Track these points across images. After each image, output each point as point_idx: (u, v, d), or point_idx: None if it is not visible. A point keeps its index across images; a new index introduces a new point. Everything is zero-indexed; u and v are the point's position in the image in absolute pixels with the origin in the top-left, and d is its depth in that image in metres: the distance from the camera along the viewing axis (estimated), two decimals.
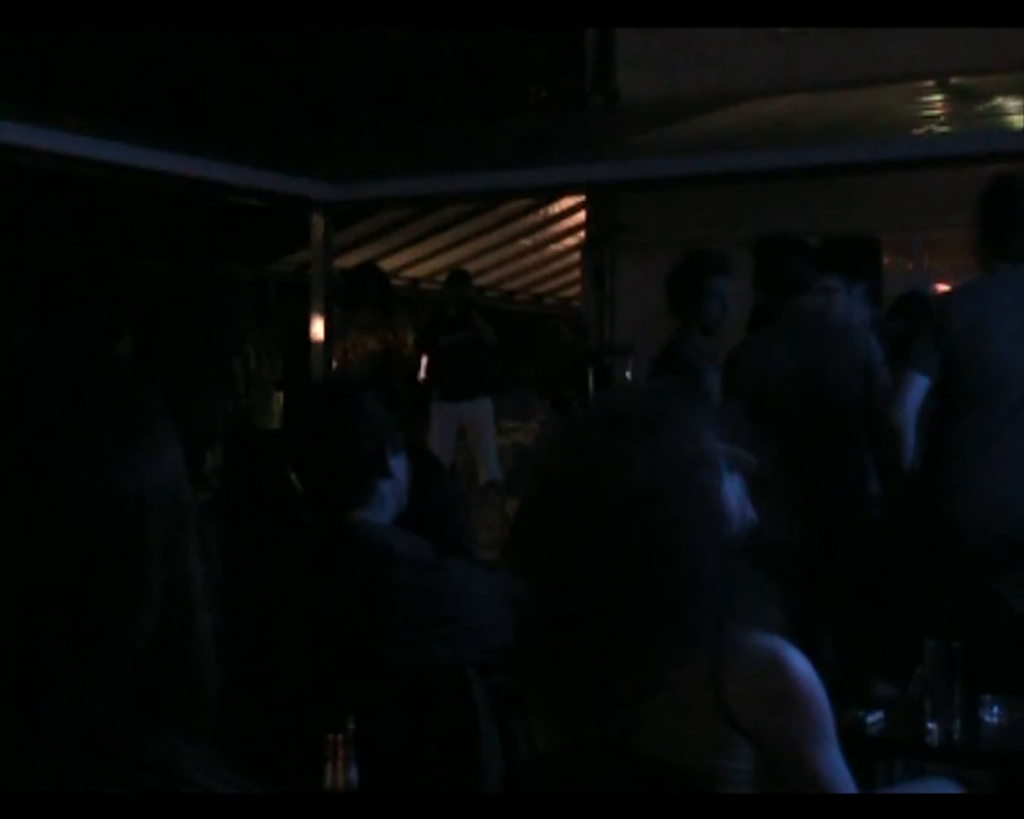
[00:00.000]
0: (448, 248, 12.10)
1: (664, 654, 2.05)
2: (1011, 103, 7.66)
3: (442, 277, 12.81)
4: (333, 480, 2.91)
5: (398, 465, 2.99)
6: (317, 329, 7.96)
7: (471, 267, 12.80)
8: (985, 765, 3.16)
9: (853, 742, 2.68)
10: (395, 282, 10.69)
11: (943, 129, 7.66)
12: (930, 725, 3.12)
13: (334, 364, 8.00)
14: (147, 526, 1.06)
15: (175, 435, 1.11)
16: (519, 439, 8.71)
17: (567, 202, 11.06)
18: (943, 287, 7.30)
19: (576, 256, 11.12)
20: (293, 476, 3.02)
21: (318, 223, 7.92)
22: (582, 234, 10.68)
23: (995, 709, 3.18)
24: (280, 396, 11.33)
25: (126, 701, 1.04)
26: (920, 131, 7.60)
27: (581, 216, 10.75)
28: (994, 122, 7.67)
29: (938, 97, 8.33)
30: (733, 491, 2.14)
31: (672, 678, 2.05)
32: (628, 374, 8.31)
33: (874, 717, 3.21)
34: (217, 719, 1.11)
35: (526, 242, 12.42)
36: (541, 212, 11.61)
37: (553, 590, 2.13)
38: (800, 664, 2.06)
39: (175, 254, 11.89)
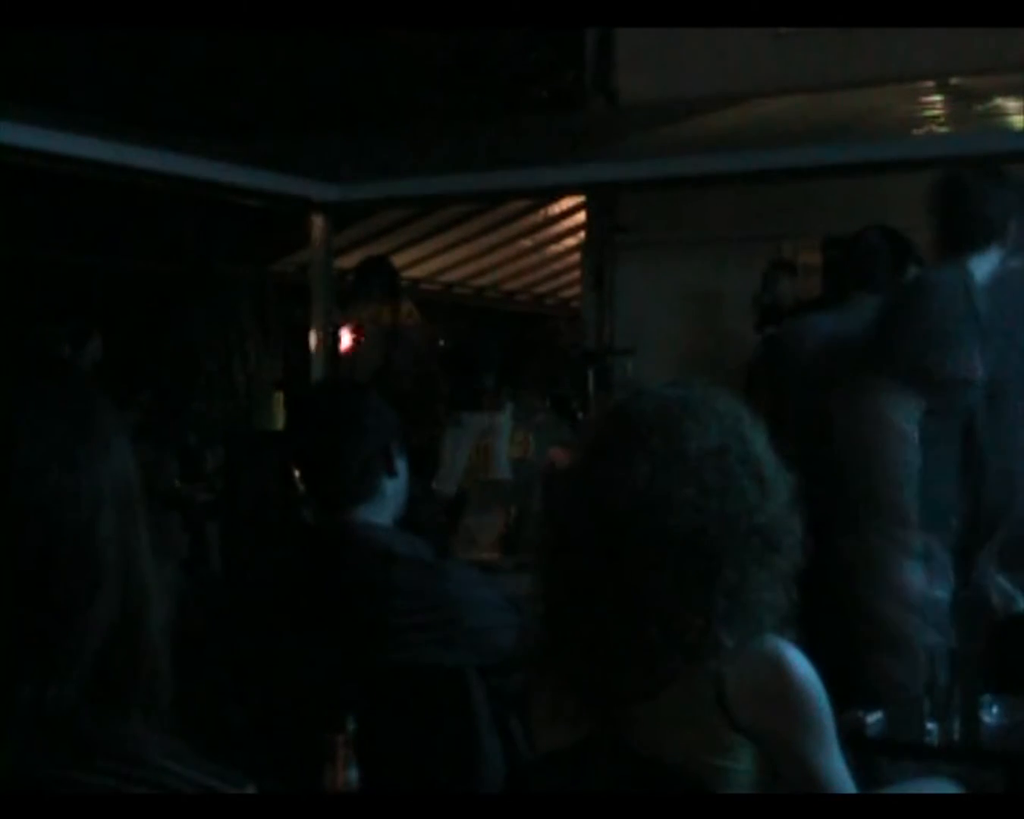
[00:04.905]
0: (448, 248, 12.09)
1: (672, 652, 2.05)
2: (1011, 103, 7.66)
3: (443, 277, 12.82)
4: (337, 475, 2.91)
5: (402, 465, 2.99)
6: (317, 329, 7.97)
7: (471, 267, 12.81)
8: (985, 765, 3.16)
9: (853, 742, 2.68)
10: None
11: (943, 129, 7.66)
12: (930, 725, 3.12)
13: (343, 345, 7.98)
14: (100, 518, 1.08)
15: (124, 431, 1.14)
16: (519, 440, 8.69)
17: (567, 202, 11.04)
18: None
19: (576, 256, 11.11)
20: (296, 474, 3.02)
21: (318, 223, 7.93)
22: (582, 234, 10.67)
23: (995, 709, 3.18)
24: (280, 396, 11.34)
25: (90, 690, 1.05)
26: (920, 131, 7.59)
27: (581, 216, 10.73)
28: (994, 122, 7.67)
29: (938, 97, 8.33)
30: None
31: (674, 677, 2.05)
32: (630, 374, 8.31)
33: (874, 717, 3.22)
34: (172, 707, 1.12)
35: (526, 242, 12.40)
36: (541, 212, 11.59)
37: (576, 575, 2.13)
38: (801, 665, 2.06)
39: (175, 254, 11.89)
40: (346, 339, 8.08)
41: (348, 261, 9.28)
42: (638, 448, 2.10)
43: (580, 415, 7.21)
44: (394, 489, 2.97)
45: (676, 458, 2.08)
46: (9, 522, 1.04)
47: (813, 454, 4.15)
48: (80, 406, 1.12)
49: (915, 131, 7.61)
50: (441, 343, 9.08)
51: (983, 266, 3.98)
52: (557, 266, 13.01)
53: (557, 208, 11.44)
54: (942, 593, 3.79)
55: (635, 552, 2.06)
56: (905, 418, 3.82)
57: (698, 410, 2.14)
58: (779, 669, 2.05)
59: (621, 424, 2.17)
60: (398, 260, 11.69)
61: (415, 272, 12.22)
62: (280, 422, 10.65)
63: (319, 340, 7.99)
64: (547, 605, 2.24)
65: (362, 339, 8.04)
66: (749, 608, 2.07)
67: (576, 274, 11.06)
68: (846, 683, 2.42)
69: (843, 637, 3.76)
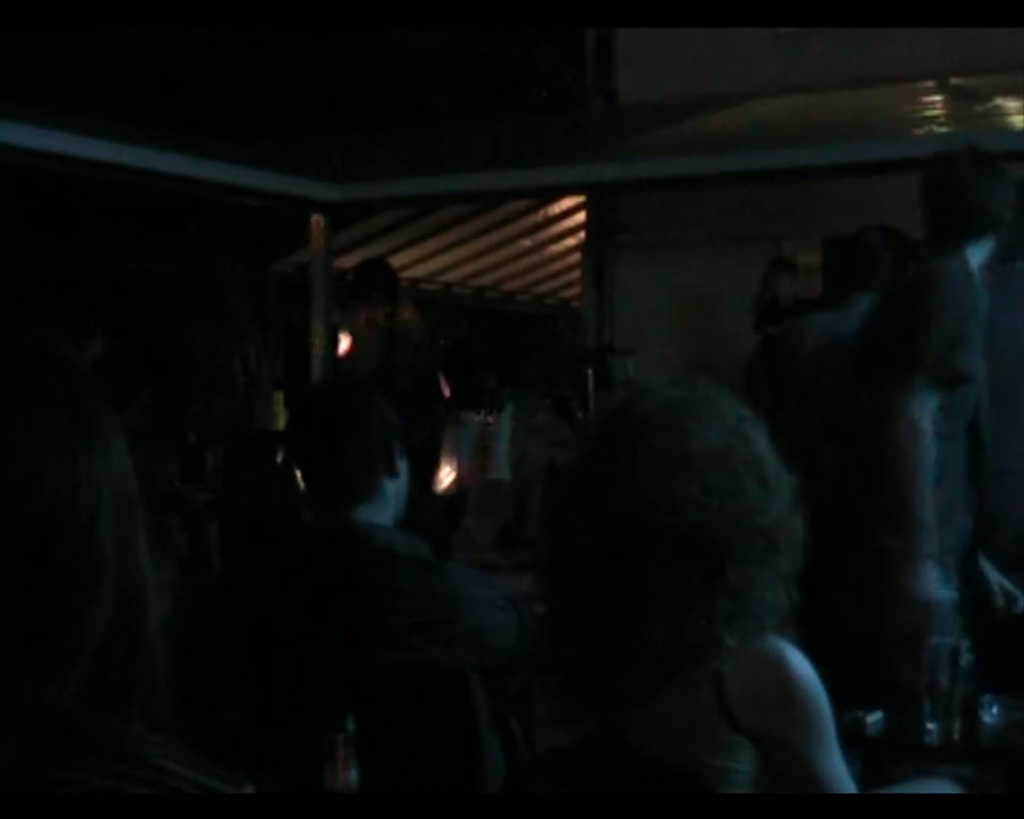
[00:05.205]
0: (448, 248, 12.09)
1: (674, 652, 2.05)
2: (1011, 103, 7.65)
3: (442, 277, 12.81)
4: (339, 474, 2.91)
5: (403, 466, 2.99)
6: (317, 329, 7.97)
7: (471, 267, 12.80)
8: (985, 765, 3.16)
9: (853, 742, 2.68)
10: None
11: (943, 129, 7.65)
12: (930, 725, 3.13)
13: (342, 347, 7.97)
14: (99, 517, 1.08)
15: (122, 430, 1.14)
16: (519, 440, 8.68)
17: (567, 202, 11.05)
18: None
19: (576, 256, 11.11)
20: (297, 471, 3.02)
21: (318, 223, 7.92)
22: (582, 234, 10.67)
23: (995, 709, 3.18)
24: (280, 396, 11.33)
25: (89, 690, 1.05)
26: (920, 131, 7.59)
27: (581, 216, 10.74)
28: (994, 122, 7.66)
29: (938, 97, 8.33)
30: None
31: (675, 677, 2.05)
32: (630, 374, 8.30)
33: (874, 717, 3.22)
34: (170, 706, 1.12)
35: (526, 242, 12.40)
36: (541, 212, 11.60)
37: (578, 574, 2.12)
38: (801, 665, 2.06)
39: (175, 254, 11.90)
40: (345, 342, 8.07)
41: (348, 261, 9.28)
42: (644, 447, 2.09)
43: (580, 415, 7.20)
44: (395, 489, 2.97)
45: (682, 458, 2.08)
46: (7, 521, 1.04)
47: (819, 454, 4.15)
48: (78, 404, 1.12)
49: (915, 131, 7.60)
50: (441, 343, 9.08)
51: (978, 255, 3.96)
52: (557, 266, 13.01)
53: (557, 208, 11.44)
54: (948, 593, 3.77)
55: (640, 551, 2.06)
56: (924, 417, 3.77)
57: (702, 410, 2.14)
58: (779, 669, 2.05)
59: (626, 423, 2.16)
60: (398, 260, 11.71)
61: (415, 272, 12.22)
62: (280, 422, 10.65)
63: (319, 340, 7.99)
64: (548, 604, 2.24)
65: (361, 342, 8.03)
66: (751, 608, 2.07)
67: (576, 274, 11.06)
68: (846, 683, 2.42)
69: (848, 638, 3.74)
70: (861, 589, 3.87)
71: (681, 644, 2.04)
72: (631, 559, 2.06)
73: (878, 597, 3.82)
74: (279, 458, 6.64)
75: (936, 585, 3.75)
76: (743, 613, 2.06)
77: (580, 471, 2.22)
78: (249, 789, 1.10)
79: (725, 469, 2.09)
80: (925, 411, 3.77)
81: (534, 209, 11.48)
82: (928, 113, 8.09)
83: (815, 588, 2.22)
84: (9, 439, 1.06)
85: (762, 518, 2.09)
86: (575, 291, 11.55)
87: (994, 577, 3.93)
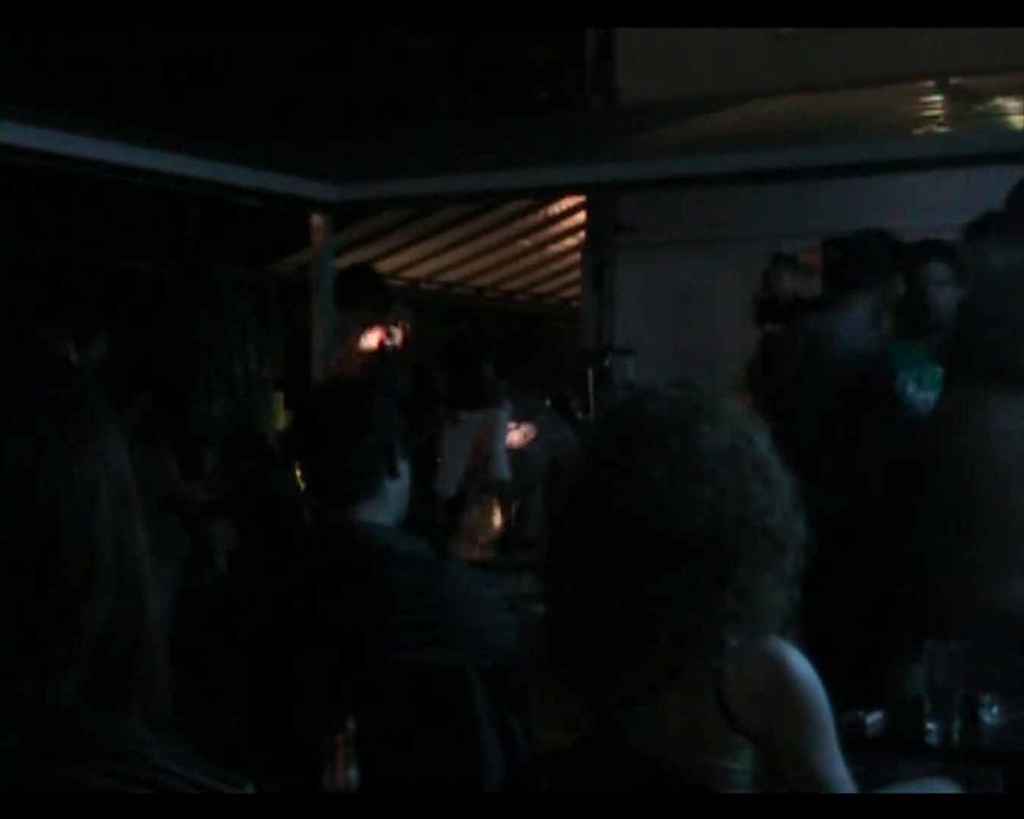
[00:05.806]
0: (448, 248, 12.10)
1: (678, 652, 2.04)
2: (1011, 103, 7.65)
3: (442, 277, 12.81)
4: (340, 472, 2.91)
5: (405, 469, 2.99)
6: (317, 329, 7.97)
7: (471, 267, 12.80)
8: (985, 765, 3.16)
9: (853, 742, 2.68)
10: (395, 282, 10.68)
11: (943, 129, 7.66)
12: (930, 725, 3.12)
13: (333, 362, 7.98)
14: (96, 514, 1.08)
15: (119, 427, 1.14)
16: (518, 439, 8.68)
17: (567, 202, 11.05)
18: None
19: (576, 256, 11.11)
20: (298, 469, 3.02)
21: (319, 223, 7.92)
22: (582, 234, 10.67)
23: (995, 709, 3.18)
24: (280, 396, 11.34)
25: (88, 689, 1.05)
26: (920, 131, 7.59)
27: (581, 216, 10.74)
28: (994, 122, 7.67)
29: (938, 97, 8.33)
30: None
31: (676, 677, 2.05)
32: (630, 374, 8.30)
33: (874, 717, 3.22)
34: (172, 706, 1.12)
35: (526, 242, 12.40)
36: (541, 212, 11.60)
37: (580, 574, 2.12)
38: (800, 666, 2.06)
39: (175, 254, 11.89)
40: (338, 351, 8.06)
41: (348, 261, 9.28)
42: (653, 447, 2.09)
43: (580, 415, 7.20)
44: (397, 490, 2.97)
45: (693, 459, 2.08)
46: (3, 517, 1.04)
47: (811, 458, 4.10)
48: (75, 401, 1.12)
49: (915, 131, 7.60)
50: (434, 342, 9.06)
51: None
52: (557, 266, 13.01)
53: (557, 208, 11.44)
54: None
55: (647, 551, 2.05)
56: (1014, 422, 3.59)
57: (709, 411, 2.14)
58: (779, 669, 2.05)
59: (632, 424, 2.16)
60: (398, 260, 11.72)
61: (415, 272, 12.22)
62: (280, 422, 10.66)
63: (319, 340, 7.98)
64: (551, 605, 2.24)
65: (354, 349, 8.01)
66: (756, 610, 2.07)
67: (576, 274, 11.06)
68: (848, 683, 2.41)
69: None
70: (941, 601, 3.68)
71: (686, 644, 2.04)
72: (638, 559, 2.06)
73: (969, 611, 3.63)
74: (279, 458, 6.64)
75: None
76: (748, 614, 2.06)
77: (584, 471, 2.21)
78: (249, 789, 1.10)
79: (733, 470, 2.09)
80: (1011, 414, 3.62)
81: (534, 209, 11.48)
82: (928, 113, 8.09)
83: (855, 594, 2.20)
84: (6, 436, 1.06)
85: (769, 519, 2.09)
86: (575, 291, 11.55)
87: None
